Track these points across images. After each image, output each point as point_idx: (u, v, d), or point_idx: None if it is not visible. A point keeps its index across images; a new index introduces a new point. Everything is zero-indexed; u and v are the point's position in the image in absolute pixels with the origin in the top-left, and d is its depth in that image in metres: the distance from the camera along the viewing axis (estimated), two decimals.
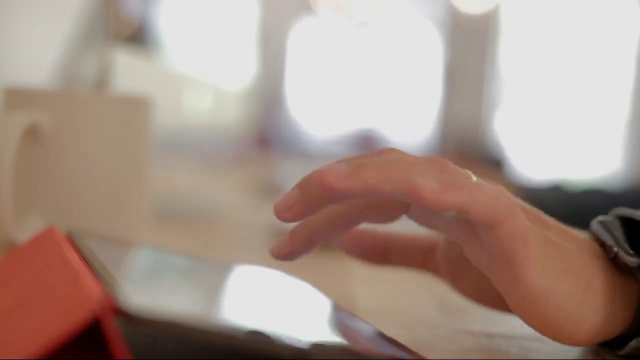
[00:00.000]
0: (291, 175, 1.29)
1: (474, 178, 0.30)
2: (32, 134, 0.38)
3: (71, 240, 0.33)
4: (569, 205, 0.79)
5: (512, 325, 0.38)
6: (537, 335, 0.36)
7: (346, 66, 5.11)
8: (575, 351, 0.34)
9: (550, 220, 0.32)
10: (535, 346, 0.34)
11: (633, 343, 0.31)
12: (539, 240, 0.30)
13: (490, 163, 2.74)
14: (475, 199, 0.28)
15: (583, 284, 0.30)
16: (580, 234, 0.33)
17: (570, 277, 0.30)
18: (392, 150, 0.31)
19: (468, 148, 3.88)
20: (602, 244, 0.32)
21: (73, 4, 1.05)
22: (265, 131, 4.82)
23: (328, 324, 0.29)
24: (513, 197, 0.30)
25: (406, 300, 0.42)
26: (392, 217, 0.33)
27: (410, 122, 5.01)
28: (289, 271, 0.48)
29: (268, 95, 5.11)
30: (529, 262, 0.29)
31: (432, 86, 4.80)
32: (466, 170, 0.31)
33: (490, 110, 4.72)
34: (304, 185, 0.30)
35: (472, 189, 0.28)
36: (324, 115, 5.25)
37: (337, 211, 0.33)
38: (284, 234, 0.58)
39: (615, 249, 0.31)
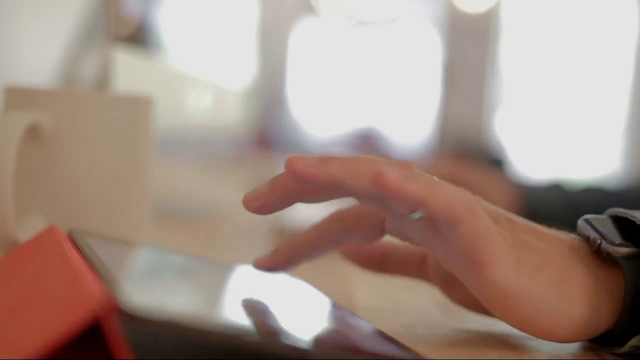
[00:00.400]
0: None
1: (437, 180, 0.31)
2: (32, 133, 0.38)
3: (72, 239, 0.33)
4: (568, 204, 0.79)
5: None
6: None
7: (346, 65, 5.11)
8: (573, 350, 0.34)
9: (524, 222, 0.33)
10: (534, 344, 0.34)
11: (633, 341, 0.31)
12: (506, 240, 0.31)
13: (490, 162, 2.74)
14: (433, 194, 0.29)
15: (558, 280, 0.31)
16: (558, 234, 0.33)
17: (544, 274, 0.31)
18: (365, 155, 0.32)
19: (467, 147, 3.88)
20: (587, 238, 0.32)
21: (73, 4, 1.05)
22: (266, 131, 4.81)
23: (328, 324, 0.29)
24: (475, 199, 0.31)
25: (406, 299, 0.42)
26: (372, 236, 0.34)
27: (410, 121, 5.01)
28: (289, 272, 0.48)
29: (268, 95, 5.11)
30: (494, 261, 0.30)
31: (432, 85, 4.80)
32: (431, 175, 0.31)
33: (490, 110, 4.72)
34: (276, 178, 0.31)
35: (432, 185, 0.29)
36: (324, 114, 5.25)
37: (319, 232, 0.34)
38: (283, 233, 0.58)
39: (599, 241, 0.31)
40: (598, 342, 0.33)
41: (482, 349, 0.33)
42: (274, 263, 0.35)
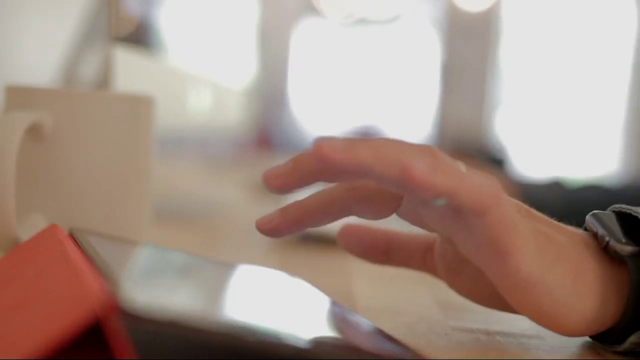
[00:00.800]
0: None
1: (464, 168, 0.30)
2: (34, 132, 0.38)
3: (73, 238, 0.33)
4: (568, 201, 0.80)
5: (511, 322, 0.38)
6: (536, 332, 0.36)
7: (346, 65, 5.11)
8: (574, 349, 0.34)
9: (540, 215, 0.33)
10: (534, 343, 0.34)
11: (632, 338, 0.31)
12: (528, 229, 0.31)
13: (491, 161, 2.74)
14: (463, 185, 0.28)
15: (574, 273, 0.31)
16: (571, 228, 0.33)
17: (561, 266, 0.31)
18: (389, 138, 0.31)
19: (467, 146, 3.88)
20: (595, 235, 0.32)
21: (74, 3, 1.05)
22: (266, 130, 4.81)
23: (328, 323, 0.29)
24: (501, 188, 0.30)
25: (406, 298, 0.42)
26: (383, 212, 0.33)
27: (409, 120, 5.01)
28: (289, 270, 0.49)
29: (269, 95, 5.11)
30: (519, 250, 0.29)
31: (432, 84, 4.80)
32: (458, 161, 0.31)
33: (490, 108, 4.72)
34: (298, 158, 0.30)
35: (462, 175, 0.28)
36: (325, 113, 5.25)
37: (331, 198, 0.33)
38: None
39: (607, 238, 0.32)
40: (599, 339, 0.33)
41: (482, 348, 0.33)
42: (279, 225, 0.32)
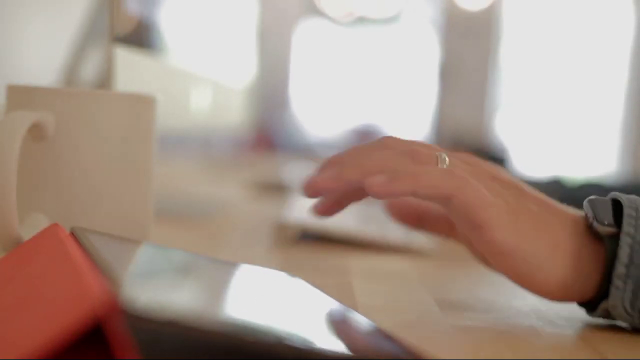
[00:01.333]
0: (293, 172, 1.29)
1: (446, 159, 0.37)
2: (35, 132, 0.39)
3: (75, 237, 0.33)
4: (567, 200, 0.80)
5: (511, 322, 0.38)
6: (534, 332, 0.36)
7: (346, 64, 5.11)
8: (573, 348, 0.34)
9: (533, 194, 0.38)
10: (534, 341, 0.34)
11: (602, 304, 0.36)
12: (509, 205, 0.36)
13: (491, 160, 2.74)
14: (419, 184, 0.35)
15: (552, 245, 0.36)
16: (565, 208, 0.38)
17: (539, 237, 0.36)
18: (387, 139, 0.39)
19: (467, 146, 3.88)
20: (586, 216, 0.37)
21: (75, 3, 1.05)
22: (267, 129, 4.82)
23: (328, 323, 0.29)
24: (464, 177, 0.36)
25: (406, 298, 0.42)
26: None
27: (409, 119, 5.01)
28: (290, 270, 0.49)
29: (270, 94, 5.11)
30: (490, 223, 0.35)
31: (431, 83, 4.80)
32: (440, 154, 0.38)
33: (489, 107, 4.72)
34: (346, 185, 0.37)
35: (419, 176, 0.35)
36: (325, 112, 5.25)
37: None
38: (285, 229, 0.59)
39: (591, 219, 0.36)
40: (585, 307, 0.38)
41: (482, 347, 0.33)
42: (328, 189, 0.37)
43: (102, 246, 0.31)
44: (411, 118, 4.97)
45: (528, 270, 0.36)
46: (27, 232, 0.38)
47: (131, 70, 0.54)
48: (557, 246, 0.36)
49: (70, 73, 0.61)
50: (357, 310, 0.39)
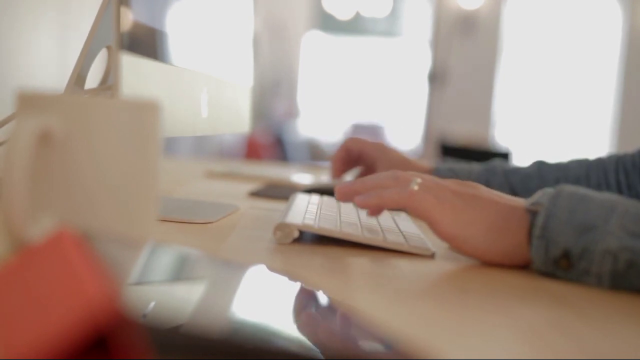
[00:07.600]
0: (294, 173, 1.29)
1: (418, 180, 0.55)
2: (44, 137, 0.39)
3: (82, 240, 0.34)
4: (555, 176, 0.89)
5: (510, 321, 0.39)
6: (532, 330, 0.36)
7: (345, 63, 5.09)
8: (573, 348, 0.34)
9: (472, 192, 0.54)
10: (531, 339, 0.35)
11: (534, 265, 0.51)
12: (450, 205, 0.53)
13: (494, 157, 2.74)
14: (384, 201, 0.55)
15: (485, 228, 0.52)
16: (506, 199, 0.53)
17: (473, 225, 0.52)
18: (395, 172, 0.58)
19: (467, 145, 3.87)
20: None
21: (80, 9, 1.06)
22: (269, 131, 4.80)
23: (328, 324, 0.29)
24: (414, 191, 0.54)
25: (405, 297, 0.43)
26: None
27: (408, 118, 5.00)
28: (289, 270, 0.49)
29: (273, 95, 5.09)
30: (437, 220, 0.53)
31: (431, 83, 4.78)
32: (415, 178, 0.55)
33: (489, 107, 4.71)
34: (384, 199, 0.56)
35: (384, 195, 0.55)
36: (326, 114, 5.24)
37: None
38: (286, 228, 0.59)
39: (526, 203, 0.52)
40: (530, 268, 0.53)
41: (483, 347, 0.34)
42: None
43: (109, 249, 0.31)
44: (411, 118, 4.95)
45: (471, 247, 0.53)
46: (36, 236, 0.38)
47: (137, 75, 0.54)
48: (489, 230, 0.52)
49: (78, 78, 0.61)
50: (356, 310, 0.39)
